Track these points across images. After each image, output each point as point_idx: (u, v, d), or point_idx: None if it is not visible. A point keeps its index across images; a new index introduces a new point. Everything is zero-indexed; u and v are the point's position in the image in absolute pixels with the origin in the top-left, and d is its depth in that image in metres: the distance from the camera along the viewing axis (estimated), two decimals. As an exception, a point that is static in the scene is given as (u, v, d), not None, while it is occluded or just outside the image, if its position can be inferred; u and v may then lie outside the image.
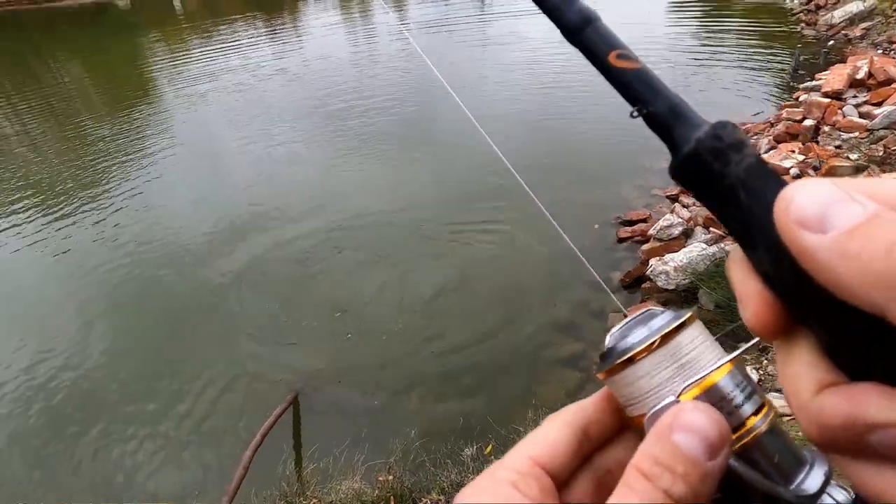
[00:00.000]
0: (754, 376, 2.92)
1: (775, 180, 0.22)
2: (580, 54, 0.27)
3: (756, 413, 0.25)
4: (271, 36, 17.66)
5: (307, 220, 6.00)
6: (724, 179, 0.23)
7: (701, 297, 3.76)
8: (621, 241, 5.02)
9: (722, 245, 4.08)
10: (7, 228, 6.77)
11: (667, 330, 0.26)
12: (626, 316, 0.29)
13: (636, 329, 0.27)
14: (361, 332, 4.42)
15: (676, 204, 5.17)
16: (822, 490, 0.24)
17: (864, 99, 5.82)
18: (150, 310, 5.01)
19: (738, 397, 0.25)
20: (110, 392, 4.18)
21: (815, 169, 4.90)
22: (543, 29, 13.03)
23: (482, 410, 3.57)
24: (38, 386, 4.33)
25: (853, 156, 4.80)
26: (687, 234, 4.52)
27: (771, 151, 5.39)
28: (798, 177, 4.86)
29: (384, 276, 5.03)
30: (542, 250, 4.91)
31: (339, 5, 23.16)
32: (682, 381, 0.25)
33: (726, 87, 8.25)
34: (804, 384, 0.21)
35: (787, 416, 1.98)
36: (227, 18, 21.92)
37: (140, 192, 7.27)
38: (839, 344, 0.21)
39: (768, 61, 9.10)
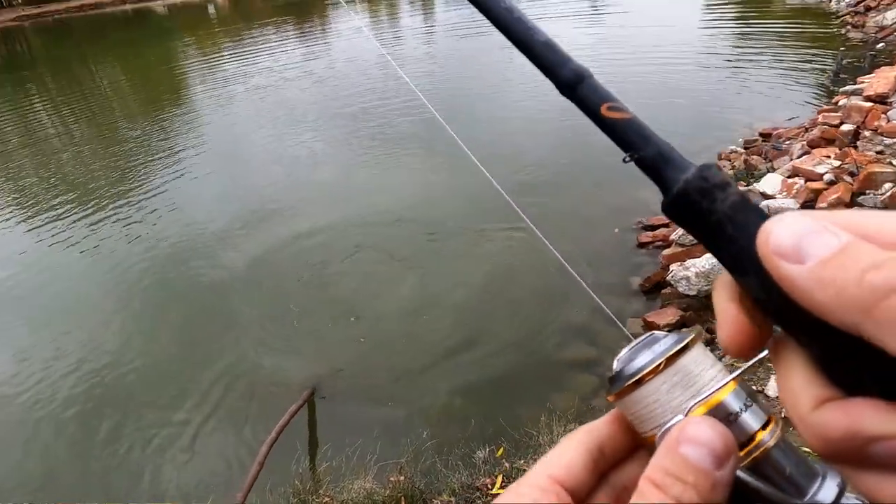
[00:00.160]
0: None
1: (758, 214, 0.24)
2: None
3: (763, 428, 0.26)
4: (300, 39, 18.01)
5: (327, 222, 6.07)
6: (712, 215, 0.25)
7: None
8: (642, 245, 4.92)
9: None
10: (42, 225, 7.07)
11: (671, 352, 0.27)
12: (633, 338, 0.30)
13: (642, 353, 0.28)
14: (377, 334, 4.43)
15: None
16: (836, 501, 0.25)
17: (912, 103, 5.56)
18: (170, 307, 5.13)
19: (744, 413, 0.26)
20: (129, 388, 4.28)
21: (852, 175, 4.71)
22: (572, 34, 12.97)
23: (495, 413, 3.54)
24: (54, 381, 4.44)
25: (896, 161, 4.59)
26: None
27: (804, 157, 5.21)
28: (832, 183, 4.68)
29: (401, 278, 5.05)
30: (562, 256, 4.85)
31: (367, 9, 23.45)
32: (689, 399, 0.26)
33: (761, 91, 8.02)
34: (803, 399, 0.23)
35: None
36: (259, 23, 22.46)
37: (166, 192, 7.49)
38: (830, 361, 0.22)
39: (807, 65, 8.80)
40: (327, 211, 6.28)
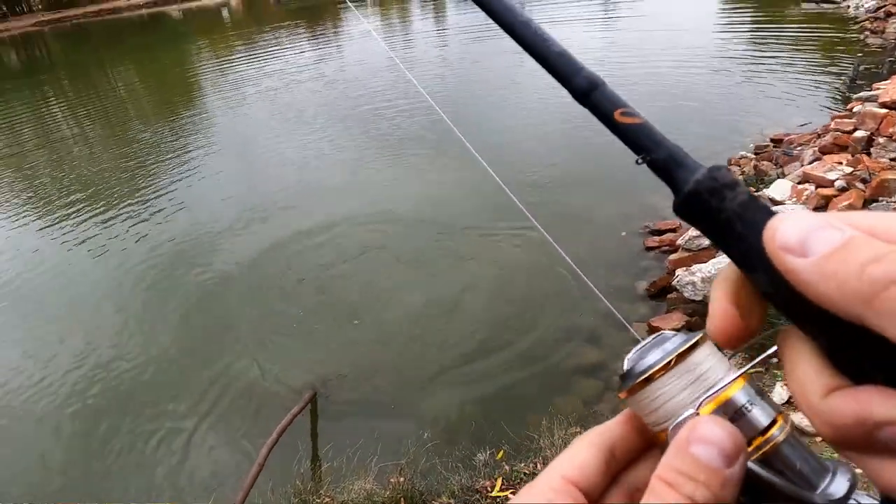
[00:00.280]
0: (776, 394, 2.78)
1: (766, 212, 0.25)
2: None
3: (772, 423, 0.27)
4: (312, 42, 18.18)
5: (334, 224, 6.10)
6: (721, 214, 0.26)
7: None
8: (648, 249, 4.89)
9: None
10: (54, 224, 7.19)
11: (681, 349, 0.28)
12: (641, 339, 0.31)
13: (652, 351, 0.29)
14: (380, 336, 4.43)
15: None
16: (848, 495, 0.25)
17: (929, 110, 5.46)
18: (174, 307, 5.16)
19: (753, 409, 0.27)
20: (131, 388, 4.30)
21: (864, 181, 4.64)
22: (583, 37, 12.96)
23: (496, 416, 3.52)
24: (57, 379, 4.49)
25: (908, 168, 4.52)
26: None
27: (815, 163, 5.14)
28: (844, 189, 4.61)
29: (406, 279, 5.05)
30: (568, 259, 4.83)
31: (379, 13, 23.63)
32: (699, 395, 0.27)
33: (775, 96, 7.93)
34: (813, 388, 0.24)
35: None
36: (271, 26, 22.72)
37: (175, 191, 7.59)
38: (837, 351, 0.23)
39: (823, 71, 8.69)
40: (334, 212, 6.31)
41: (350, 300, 4.89)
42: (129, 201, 7.53)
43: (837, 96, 7.61)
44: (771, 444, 0.26)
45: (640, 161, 0.29)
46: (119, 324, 5.04)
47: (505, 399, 3.71)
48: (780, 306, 0.25)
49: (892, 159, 4.90)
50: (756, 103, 7.80)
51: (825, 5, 12.51)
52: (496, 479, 2.93)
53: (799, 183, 4.82)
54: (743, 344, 0.26)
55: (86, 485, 3.61)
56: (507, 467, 3.01)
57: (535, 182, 6.32)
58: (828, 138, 5.59)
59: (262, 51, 17.48)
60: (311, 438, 3.71)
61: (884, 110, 5.53)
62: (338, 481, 3.17)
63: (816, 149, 5.55)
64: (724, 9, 14.14)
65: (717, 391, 0.27)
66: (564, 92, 0.31)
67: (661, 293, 4.28)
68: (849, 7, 11.75)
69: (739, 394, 0.27)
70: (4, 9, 39.46)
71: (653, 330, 3.89)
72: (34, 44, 31.08)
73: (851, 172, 4.76)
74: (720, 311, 0.27)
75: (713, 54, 10.25)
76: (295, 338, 4.57)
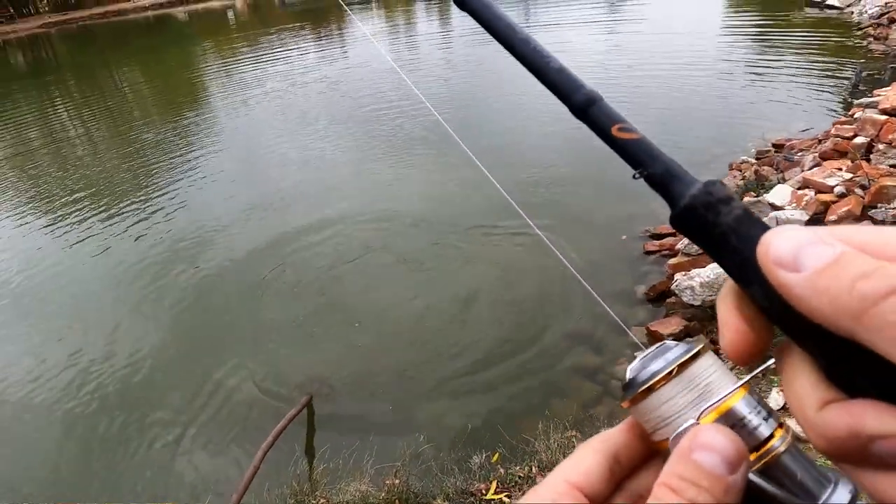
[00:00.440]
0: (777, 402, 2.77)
1: (760, 226, 0.25)
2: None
3: (773, 434, 0.27)
4: (316, 45, 18.26)
5: (334, 226, 6.12)
6: (717, 228, 0.26)
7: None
8: (648, 253, 4.88)
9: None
10: (57, 223, 7.23)
11: (683, 359, 0.28)
12: (640, 343, 0.31)
13: (654, 361, 0.29)
14: (377, 340, 4.44)
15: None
16: None
17: (929, 117, 5.45)
18: (173, 309, 5.17)
19: (755, 420, 0.27)
20: (130, 389, 4.31)
21: (864, 188, 4.63)
22: (586, 40, 12.98)
23: (492, 420, 3.52)
24: (56, 378, 4.51)
25: (908, 174, 4.51)
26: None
27: (814, 168, 5.14)
28: (843, 195, 4.60)
29: (405, 283, 5.06)
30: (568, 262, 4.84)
31: (384, 15, 23.71)
32: (701, 405, 0.27)
33: (778, 101, 7.92)
34: (808, 401, 0.24)
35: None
36: (276, 29, 22.81)
37: (177, 191, 7.63)
38: (831, 364, 0.23)
39: (826, 76, 8.67)
40: (334, 214, 6.33)
41: (350, 302, 4.89)
42: (131, 200, 7.57)
43: (840, 102, 7.60)
44: (772, 454, 0.26)
45: (637, 175, 0.30)
46: (117, 323, 5.06)
47: (501, 402, 3.71)
48: (774, 320, 0.25)
49: (891, 166, 4.88)
50: (759, 108, 7.80)
51: (829, 11, 12.51)
52: (491, 482, 2.93)
53: (799, 188, 4.81)
54: (756, 358, 0.26)
55: (81, 485, 3.62)
56: (502, 470, 3.01)
57: (537, 184, 6.33)
58: (828, 144, 5.58)
59: (267, 53, 17.56)
60: (307, 440, 3.72)
61: (884, 117, 5.53)
62: (333, 483, 3.18)
63: (817, 154, 5.55)
64: (727, 13, 14.14)
65: (718, 401, 0.27)
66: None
67: (661, 297, 4.27)
68: (852, 13, 11.74)
69: (741, 404, 0.27)
70: (11, 11, 39.80)
71: (651, 334, 3.89)
72: (40, 45, 31.29)
73: (851, 178, 4.75)
74: (731, 325, 0.26)
75: (716, 58, 10.25)
76: (295, 339, 4.58)
